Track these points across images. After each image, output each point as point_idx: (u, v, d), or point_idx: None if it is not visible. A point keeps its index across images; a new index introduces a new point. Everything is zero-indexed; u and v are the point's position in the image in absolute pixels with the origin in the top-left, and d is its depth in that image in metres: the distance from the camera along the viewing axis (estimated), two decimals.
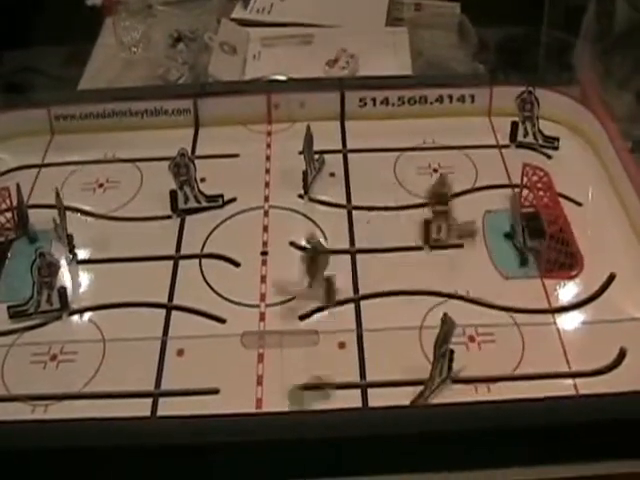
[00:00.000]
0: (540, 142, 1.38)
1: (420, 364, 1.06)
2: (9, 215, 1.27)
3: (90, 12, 1.89)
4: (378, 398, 1.03)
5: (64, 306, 1.14)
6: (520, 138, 1.39)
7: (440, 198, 1.20)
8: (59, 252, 1.21)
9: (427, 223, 1.21)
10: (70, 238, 1.21)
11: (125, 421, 1.00)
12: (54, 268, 1.13)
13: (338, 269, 1.17)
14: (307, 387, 1.04)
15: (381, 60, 1.62)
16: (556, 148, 1.38)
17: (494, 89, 1.45)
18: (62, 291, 1.14)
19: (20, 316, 1.14)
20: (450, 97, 1.44)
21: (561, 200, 1.26)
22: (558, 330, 1.10)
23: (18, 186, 1.27)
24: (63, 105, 1.45)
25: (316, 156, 1.32)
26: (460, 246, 1.22)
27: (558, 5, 1.67)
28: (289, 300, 1.15)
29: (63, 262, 1.19)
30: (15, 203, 1.27)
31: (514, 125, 1.38)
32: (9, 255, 1.24)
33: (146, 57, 1.76)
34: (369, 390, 1.04)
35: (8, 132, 1.42)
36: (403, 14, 1.84)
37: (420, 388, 1.03)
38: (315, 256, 1.12)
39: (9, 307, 1.14)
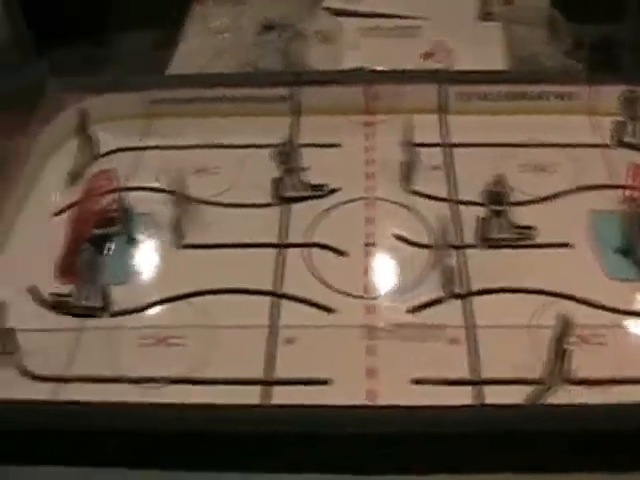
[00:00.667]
0: None
1: (531, 362, 1.04)
2: (113, 197, 1.27)
3: None
4: (490, 396, 1.02)
5: (105, 304, 1.14)
6: (624, 138, 1.36)
7: (496, 197, 1.19)
8: (162, 237, 1.22)
9: (483, 220, 1.20)
10: (178, 223, 1.21)
11: (237, 408, 0.99)
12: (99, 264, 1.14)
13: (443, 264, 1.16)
14: (419, 381, 1.03)
15: (475, 54, 1.60)
16: None
17: (595, 87, 1.43)
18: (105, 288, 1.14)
19: (63, 308, 1.13)
20: (551, 94, 1.42)
21: None
22: None
23: None
24: (161, 89, 1.45)
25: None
26: (566, 245, 1.20)
27: None
28: (397, 293, 1.13)
29: (169, 247, 1.19)
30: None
31: (618, 124, 1.36)
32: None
33: (235, 44, 1.76)
34: (483, 387, 1.02)
35: (106, 114, 1.42)
36: (493, 8, 1.82)
37: (532, 387, 1.02)
38: None
39: (50, 295, 1.14)
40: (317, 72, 1.53)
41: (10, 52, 1.77)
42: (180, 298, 1.15)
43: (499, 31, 1.68)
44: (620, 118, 1.36)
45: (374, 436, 0.97)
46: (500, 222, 1.20)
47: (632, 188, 1.24)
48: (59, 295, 1.15)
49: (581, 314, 1.09)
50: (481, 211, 1.22)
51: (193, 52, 1.74)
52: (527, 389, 1.02)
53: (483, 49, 1.62)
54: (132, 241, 1.23)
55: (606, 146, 1.37)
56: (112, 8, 1.85)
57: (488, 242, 1.20)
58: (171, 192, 1.24)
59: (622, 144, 1.36)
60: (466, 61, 1.58)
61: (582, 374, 1.03)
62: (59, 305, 1.14)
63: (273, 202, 1.27)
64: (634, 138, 1.36)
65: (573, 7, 1.75)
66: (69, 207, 1.29)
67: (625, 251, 1.18)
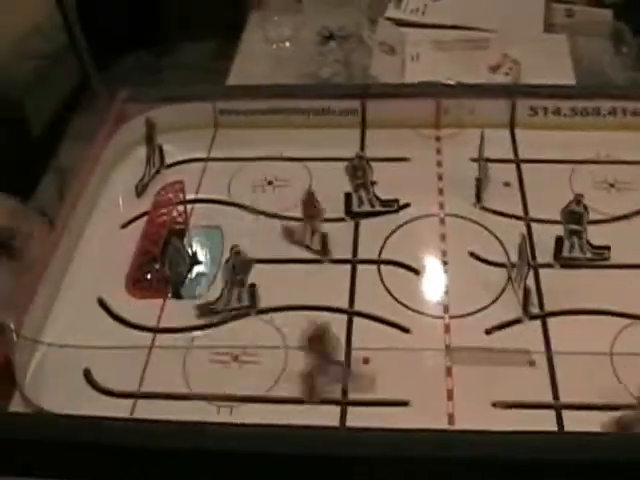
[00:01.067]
0: None
1: (612, 387, 1.02)
2: (181, 209, 1.26)
3: (235, 6, 1.90)
4: (571, 420, 1.00)
5: (253, 304, 1.13)
6: None
7: (575, 217, 1.17)
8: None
9: (559, 240, 1.17)
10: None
11: (313, 430, 0.98)
12: (247, 266, 1.12)
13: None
14: (499, 405, 1.01)
15: (543, 67, 1.58)
16: None
17: None
18: (253, 289, 1.13)
19: (209, 314, 1.12)
20: (624, 110, 1.39)
21: None
22: None
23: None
24: (227, 100, 1.43)
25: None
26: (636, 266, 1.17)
27: None
28: (474, 313, 1.12)
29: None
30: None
31: None
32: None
33: (295, 54, 1.75)
34: (563, 412, 1.00)
35: (172, 125, 1.41)
36: (555, 19, 1.80)
37: (615, 413, 0.99)
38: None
39: (198, 305, 1.13)
40: (386, 85, 1.52)
41: (73, 63, 1.78)
42: (250, 315, 1.13)
43: (565, 43, 1.66)
44: None
45: (457, 460, 0.95)
46: (577, 242, 1.17)
47: None
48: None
49: None
50: (555, 229, 1.20)
51: (252, 62, 1.73)
52: (607, 415, 1.00)
53: (550, 61, 1.60)
54: (201, 255, 1.22)
55: None
56: (173, 19, 1.85)
57: (564, 261, 1.17)
58: (240, 205, 1.22)
59: None
60: (534, 74, 1.56)
61: None
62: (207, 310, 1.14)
63: (343, 217, 1.25)
64: None
65: (636, 19, 1.73)
66: (136, 219, 1.28)
67: None
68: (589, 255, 1.18)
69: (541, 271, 1.17)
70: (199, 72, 1.74)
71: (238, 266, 1.12)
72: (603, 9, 1.83)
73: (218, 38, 1.83)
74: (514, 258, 1.16)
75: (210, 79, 1.70)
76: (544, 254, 1.19)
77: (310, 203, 1.20)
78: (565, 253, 1.18)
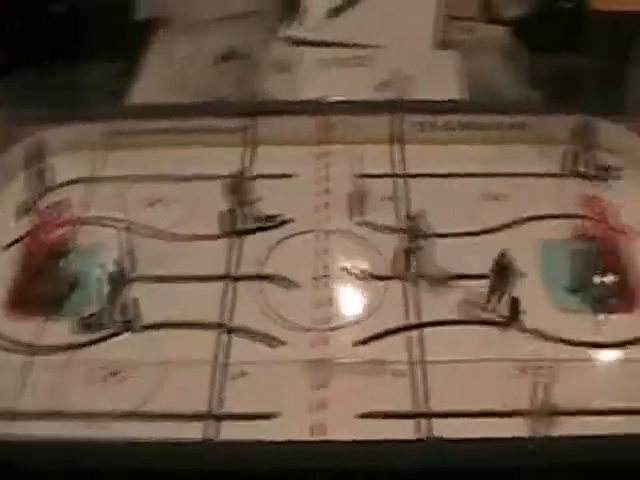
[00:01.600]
0: (597, 172, 1.37)
1: (484, 396, 1.04)
2: (65, 229, 1.26)
3: (138, 27, 1.90)
4: (442, 428, 1.01)
5: (135, 319, 1.14)
6: (577, 167, 1.37)
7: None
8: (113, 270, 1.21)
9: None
10: (130, 256, 1.20)
11: (182, 445, 0.98)
12: (127, 281, 1.14)
13: (393, 296, 1.16)
14: (367, 415, 1.02)
15: (433, 83, 1.61)
16: (615, 177, 1.35)
17: (550, 117, 1.44)
18: (135, 304, 1.14)
19: (90, 328, 1.13)
20: (507, 124, 1.43)
21: (621, 231, 1.24)
22: (611, 365, 1.09)
23: None
24: (116, 120, 1.44)
25: None
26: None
27: (615, 32, 1.66)
28: (349, 325, 1.13)
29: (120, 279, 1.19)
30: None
31: (571, 154, 1.36)
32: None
33: (195, 73, 1.76)
34: (433, 420, 1.02)
35: (61, 145, 1.41)
36: (452, 36, 1.83)
37: (483, 420, 1.02)
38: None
39: (79, 320, 1.13)
40: (272, 102, 1.53)
41: None
42: (130, 331, 1.14)
43: (458, 60, 1.69)
44: (573, 147, 1.37)
45: (319, 471, 0.97)
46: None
47: (582, 218, 1.25)
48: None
49: (530, 345, 1.10)
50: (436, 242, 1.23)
51: (152, 82, 1.73)
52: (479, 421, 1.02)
53: (440, 78, 1.63)
54: (84, 274, 1.22)
55: (559, 176, 1.37)
56: (77, 38, 1.84)
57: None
58: (124, 224, 1.23)
59: (575, 174, 1.37)
60: (423, 90, 1.58)
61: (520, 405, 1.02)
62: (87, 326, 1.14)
63: (225, 234, 1.27)
64: (586, 168, 1.36)
65: (533, 37, 1.77)
66: (18, 240, 1.28)
67: (575, 289, 1.18)
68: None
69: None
70: (97, 92, 1.73)
71: (119, 281, 1.13)
72: (500, 26, 1.87)
73: (122, 58, 1.83)
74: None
75: (109, 99, 1.69)
76: (422, 266, 1.21)
77: None
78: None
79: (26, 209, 1.32)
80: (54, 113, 1.45)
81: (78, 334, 1.14)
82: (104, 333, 1.13)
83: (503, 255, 1.13)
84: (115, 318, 1.14)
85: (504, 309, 1.13)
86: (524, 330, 1.12)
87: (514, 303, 1.12)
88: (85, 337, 1.13)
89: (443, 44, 1.77)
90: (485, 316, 1.14)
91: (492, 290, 1.14)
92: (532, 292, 1.17)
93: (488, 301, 1.14)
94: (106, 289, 1.13)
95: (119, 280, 1.14)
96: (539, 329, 1.12)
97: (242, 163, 1.36)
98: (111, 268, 1.13)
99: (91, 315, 1.14)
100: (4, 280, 1.21)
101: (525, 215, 1.29)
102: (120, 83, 1.74)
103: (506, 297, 1.13)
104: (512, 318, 1.12)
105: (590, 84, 1.66)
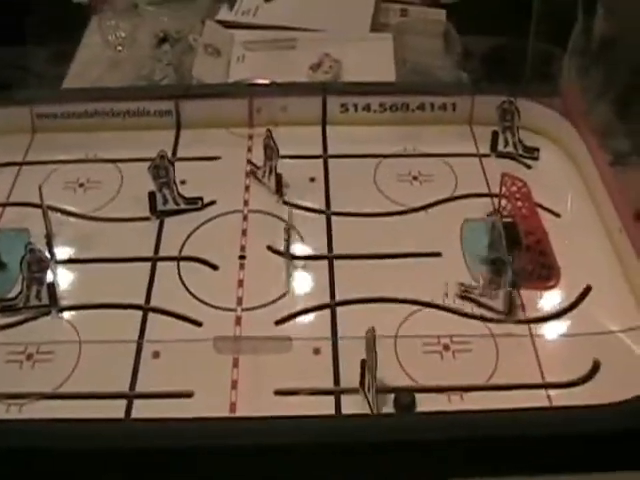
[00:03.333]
0: (520, 152, 1.39)
1: (395, 372, 1.06)
2: None
3: (76, 10, 1.90)
4: (351, 405, 1.03)
5: (53, 302, 1.14)
6: (500, 148, 1.39)
7: None
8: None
9: None
10: (49, 237, 1.21)
11: (99, 423, 1.00)
12: (44, 264, 1.14)
13: (315, 275, 1.18)
14: (281, 392, 1.04)
15: (364, 66, 1.62)
16: (536, 158, 1.38)
17: (476, 98, 1.45)
18: (51, 287, 1.14)
19: (8, 310, 1.14)
20: (432, 105, 1.44)
21: (539, 211, 1.27)
22: (533, 341, 1.11)
23: None
24: (46, 104, 1.44)
25: None
26: (438, 255, 1.22)
27: (545, 16, 1.68)
28: (265, 305, 1.15)
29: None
30: None
31: (494, 134, 1.39)
32: None
33: (131, 57, 1.76)
34: (342, 397, 1.04)
35: None
36: (389, 19, 1.85)
37: (392, 395, 1.04)
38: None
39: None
40: (201, 85, 1.54)
41: None
42: (50, 313, 1.15)
43: (389, 42, 1.70)
44: (496, 128, 1.39)
45: (234, 448, 0.98)
46: None
47: (502, 197, 1.27)
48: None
49: (447, 322, 1.12)
50: (353, 221, 1.25)
51: (88, 66, 1.74)
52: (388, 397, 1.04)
53: (372, 60, 1.64)
54: (6, 257, 1.22)
55: (485, 156, 1.39)
56: (12, 21, 1.84)
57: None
58: (47, 207, 1.23)
59: (498, 154, 1.39)
60: (355, 72, 1.60)
61: (441, 382, 1.05)
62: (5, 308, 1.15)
63: (150, 216, 1.27)
64: (509, 148, 1.38)
65: (467, 19, 1.78)
66: None
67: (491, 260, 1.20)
68: None
69: (335, 262, 1.21)
70: (34, 76, 1.73)
71: (35, 264, 1.14)
72: (437, 9, 1.89)
73: (58, 42, 1.83)
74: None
75: (45, 84, 1.69)
76: (342, 246, 1.23)
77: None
78: None
79: None
80: None
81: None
82: (22, 316, 1.14)
83: None
84: (33, 302, 1.15)
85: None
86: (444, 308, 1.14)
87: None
88: (4, 320, 1.14)
89: (377, 26, 1.79)
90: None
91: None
92: (453, 270, 1.19)
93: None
94: (25, 272, 1.13)
95: (38, 263, 1.14)
96: (459, 307, 1.14)
97: (167, 146, 1.36)
98: (30, 251, 1.13)
99: (10, 298, 1.15)
100: None
101: (448, 195, 1.31)
102: (55, 67, 1.74)
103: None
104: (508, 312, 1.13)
105: (520, 66, 1.68)
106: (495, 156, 1.39)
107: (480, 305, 1.12)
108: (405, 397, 1.03)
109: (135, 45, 1.79)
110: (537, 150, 1.39)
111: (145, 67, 1.72)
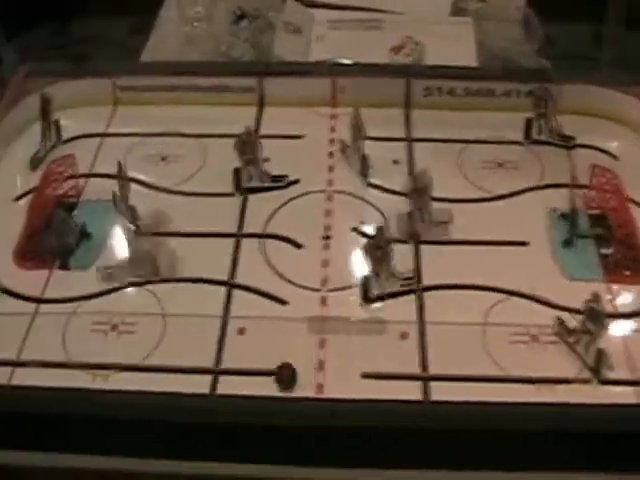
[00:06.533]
0: (555, 140, 1.36)
1: (481, 360, 1.05)
2: (73, 182, 1.27)
3: None
4: (438, 392, 1.02)
5: (151, 271, 1.15)
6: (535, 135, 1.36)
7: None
8: (120, 224, 1.21)
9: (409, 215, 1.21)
10: (133, 210, 1.21)
11: (187, 397, 1.00)
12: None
13: (401, 259, 1.16)
14: (368, 375, 1.03)
15: (446, 50, 1.60)
16: (571, 147, 1.35)
17: (563, 86, 1.43)
18: (148, 256, 1.15)
19: (111, 279, 1.14)
20: (518, 92, 1.42)
21: (629, 204, 1.24)
22: (621, 335, 1.09)
23: None
24: (128, 76, 1.44)
25: None
26: (524, 244, 1.20)
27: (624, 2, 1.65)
28: (351, 286, 1.14)
29: (124, 234, 1.20)
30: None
31: (528, 121, 1.36)
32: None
33: (208, 32, 1.76)
34: (431, 383, 1.03)
35: (72, 100, 1.42)
36: (467, 5, 1.82)
37: (481, 385, 1.02)
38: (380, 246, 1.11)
39: (99, 268, 1.15)
40: (284, 63, 1.53)
41: None
42: (136, 285, 1.15)
43: (470, 27, 1.68)
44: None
45: (319, 428, 0.98)
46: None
47: (591, 188, 1.24)
48: None
49: (534, 312, 1.10)
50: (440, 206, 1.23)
51: (166, 40, 1.73)
52: (476, 386, 1.02)
53: (453, 44, 1.62)
54: (91, 227, 1.22)
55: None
56: None
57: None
58: (130, 179, 1.23)
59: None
60: (436, 56, 1.58)
61: (531, 373, 1.03)
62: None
63: (234, 192, 1.27)
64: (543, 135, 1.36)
65: (548, 5, 1.76)
66: (29, 192, 1.28)
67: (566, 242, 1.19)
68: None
69: (421, 247, 1.19)
70: (112, 48, 1.74)
71: (132, 236, 1.15)
72: None
73: (135, 15, 1.83)
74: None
75: (123, 56, 1.70)
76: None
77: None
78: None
79: (37, 162, 1.32)
80: (66, 68, 1.45)
81: (102, 283, 1.15)
82: (118, 285, 1.14)
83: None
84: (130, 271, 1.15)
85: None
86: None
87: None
88: (87, 289, 1.14)
89: (457, 11, 1.77)
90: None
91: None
92: (540, 260, 1.17)
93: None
94: (123, 243, 1.13)
95: (132, 234, 1.14)
96: (546, 297, 1.12)
97: (249, 123, 1.35)
98: (123, 223, 1.12)
99: (109, 267, 1.15)
100: (13, 231, 1.22)
101: (533, 184, 1.29)
102: (133, 39, 1.75)
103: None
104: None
105: (603, 53, 1.65)
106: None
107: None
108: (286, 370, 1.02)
109: (212, 21, 1.78)
110: (573, 138, 1.35)
111: (222, 43, 1.71)
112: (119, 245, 1.21)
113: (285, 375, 1.01)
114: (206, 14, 1.80)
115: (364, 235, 1.19)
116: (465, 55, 1.60)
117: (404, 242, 1.19)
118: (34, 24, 1.75)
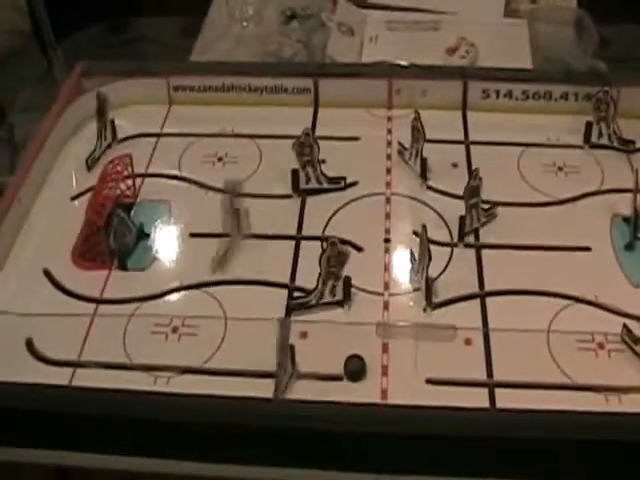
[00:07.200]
0: (615, 144, 1.34)
1: (548, 367, 1.03)
2: (129, 182, 1.26)
3: None
4: (503, 398, 1.01)
5: (347, 297, 1.11)
6: (594, 139, 1.34)
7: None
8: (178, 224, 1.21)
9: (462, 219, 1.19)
10: (238, 212, 1.19)
11: (250, 401, 0.99)
12: (343, 257, 1.09)
13: (462, 263, 1.15)
14: (433, 381, 1.02)
15: (500, 51, 1.59)
16: (632, 151, 1.33)
17: (622, 90, 1.40)
18: (347, 281, 1.10)
19: (301, 308, 1.11)
20: (576, 95, 1.40)
21: None
22: None
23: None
24: (182, 76, 1.44)
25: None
26: (587, 249, 1.18)
27: None
28: (413, 291, 1.12)
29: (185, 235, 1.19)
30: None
31: (588, 125, 1.34)
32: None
33: (258, 32, 1.75)
34: (496, 390, 1.01)
35: (126, 99, 1.42)
36: (519, 6, 1.80)
37: (546, 392, 1.01)
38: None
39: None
40: (341, 64, 1.52)
41: (31, 37, 1.77)
42: (195, 287, 1.14)
43: (525, 28, 1.66)
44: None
45: (386, 435, 0.97)
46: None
47: None
48: None
49: (599, 319, 1.09)
50: (499, 210, 1.22)
51: (215, 40, 1.73)
52: (541, 393, 1.01)
53: (508, 46, 1.60)
54: (148, 228, 1.22)
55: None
56: None
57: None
58: (188, 180, 1.23)
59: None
60: (491, 58, 1.56)
61: (597, 381, 1.01)
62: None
63: (292, 194, 1.26)
64: (603, 140, 1.34)
65: (600, 7, 1.74)
66: (86, 192, 1.28)
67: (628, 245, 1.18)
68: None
69: (483, 252, 1.18)
70: (162, 48, 1.73)
71: (334, 257, 1.09)
72: None
73: (184, 14, 1.82)
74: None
75: (173, 55, 1.69)
76: (488, 235, 1.20)
77: None
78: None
79: (93, 162, 1.32)
80: (121, 67, 1.44)
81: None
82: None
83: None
84: (327, 297, 1.12)
85: None
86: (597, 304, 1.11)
87: None
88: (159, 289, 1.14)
89: (510, 12, 1.75)
90: None
91: None
92: (603, 266, 1.16)
93: None
94: (323, 267, 1.09)
95: (338, 257, 1.09)
96: (611, 304, 1.10)
97: (305, 124, 1.34)
98: (331, 245, 1.08)
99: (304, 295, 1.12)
100: (71, 231, 1.22)
101: (594, 189, 1.27)
102: (182, 40, 1.74)
103: None
104: None
105: None
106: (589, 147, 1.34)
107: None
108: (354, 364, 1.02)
109: (262, 21, 1.78)
110: (633, 142, 1.33)
111: (272, 43, 1.70)
112: (176, 246, 1.20)
113: (353, 367, 1.00)
114: (255, 14, 1.79)
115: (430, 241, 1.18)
116: (520, 57, 1.58)
117: (467, 246, 1.17)
118: (82, 25, 1.75)
